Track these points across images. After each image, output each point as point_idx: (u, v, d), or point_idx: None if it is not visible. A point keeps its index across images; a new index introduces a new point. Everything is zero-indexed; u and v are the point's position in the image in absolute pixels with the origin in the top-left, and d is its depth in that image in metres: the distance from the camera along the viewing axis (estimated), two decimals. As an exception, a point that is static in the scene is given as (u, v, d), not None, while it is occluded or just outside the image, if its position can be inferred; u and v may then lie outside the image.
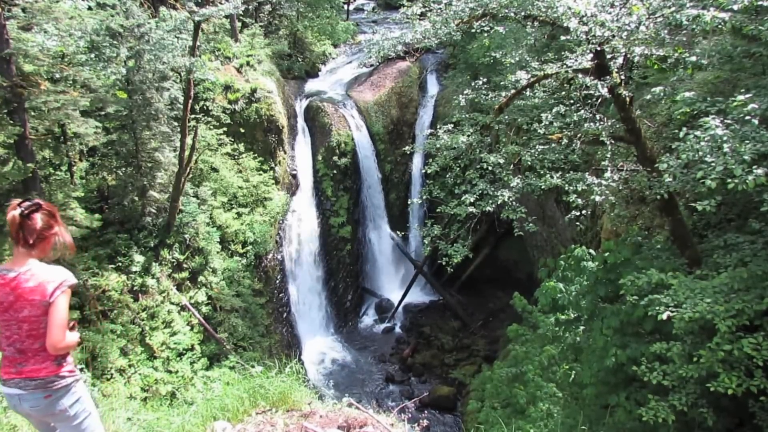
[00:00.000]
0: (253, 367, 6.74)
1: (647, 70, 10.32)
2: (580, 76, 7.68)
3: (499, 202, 8.22)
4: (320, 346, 19.66)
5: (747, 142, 4.96)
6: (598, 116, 8.12)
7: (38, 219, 3.41)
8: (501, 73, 11.65)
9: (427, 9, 8.12)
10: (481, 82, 9.44)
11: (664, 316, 5.65)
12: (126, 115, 13.50)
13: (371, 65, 22.81)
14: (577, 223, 9.82)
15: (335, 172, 20.22)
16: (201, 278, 15.38)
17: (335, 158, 20.07)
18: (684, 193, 8.18)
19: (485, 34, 8.15)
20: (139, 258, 13.84)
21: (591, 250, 8.77)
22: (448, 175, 9.36)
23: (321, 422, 4.90)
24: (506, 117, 9.23)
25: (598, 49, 7.12)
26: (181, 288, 14.86)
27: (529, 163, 8.43)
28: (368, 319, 21.64)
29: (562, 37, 8.49)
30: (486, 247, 21.28)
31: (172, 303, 14.36)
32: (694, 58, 7.09)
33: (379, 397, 16.73)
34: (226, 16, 18.03)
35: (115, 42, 12.82)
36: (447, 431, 15.82)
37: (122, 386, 12.18)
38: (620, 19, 6.64)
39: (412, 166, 22.32)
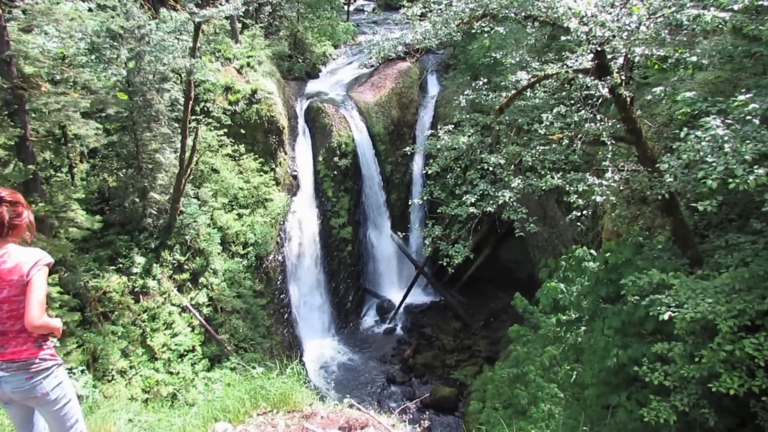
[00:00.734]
0: (254, 368, 6.73)
1: (648, 70, 10.30)
2: (580, 76, 7.67)
3: (500, 203, 8.20)
4: (321, 347, 19.65)
5: (748, 142, 4.96)
6: (598, 116, 8.11)
7: (5, 212, 3.55)
8: (501, 74, 11.63)
9: (428, 10, 8.10)
10: (481, 83, 9.41)
11: (666, 317, 5.66)
12: (126, 116, 13.52)
13: (372, 66, 22.72)
14: (578, 224, 9.83)
15: (336, 172, 20.23)
16: (202, 279, 15.38)
17: (336, 159, 20.08)
18: (685, 193, 8.18)
19: (486, 35, 8.11)
20: (139, 259, 13.86)
21: (592, 251, 8.76)
22: (448, 176, 9.34)
23: (322, 423, 4.90)
24: (507, 117, 9.22)
25: (599, 49, 7.12)
26: (182, 289, 14.86)
27: (530, 163, 8.41)
28: (369, 319, 21.64)
29: (563, 38, 8.48)
30: (487, 247, 21.26)
31: (173, 304, 14.36)
32: (694, 58, 7.09)
33: (381, 398, 16.74)
34: (227, 18, 18.02)
35: (115, 43, 12.85)
36: (448, 432, 15.82)
37: (123, 387, 12.18)
38: (620, 19, 6.64)
39: (412, 167, 22.33)
